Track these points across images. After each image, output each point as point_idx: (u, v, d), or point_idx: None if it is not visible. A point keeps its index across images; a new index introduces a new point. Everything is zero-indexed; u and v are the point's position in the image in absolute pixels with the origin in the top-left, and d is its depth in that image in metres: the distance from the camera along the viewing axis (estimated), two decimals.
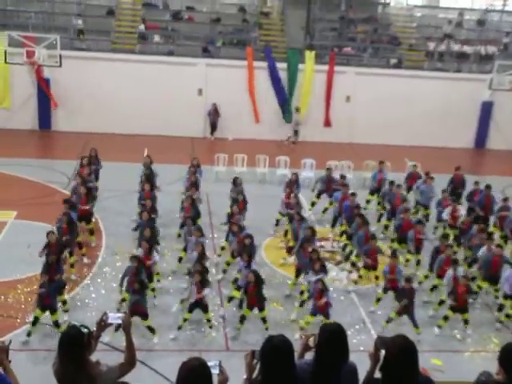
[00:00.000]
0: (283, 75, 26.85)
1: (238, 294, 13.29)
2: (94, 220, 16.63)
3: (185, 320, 12.50)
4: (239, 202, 16.39)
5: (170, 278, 14.74)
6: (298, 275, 14.38)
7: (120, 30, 27.60)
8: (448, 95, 27.40)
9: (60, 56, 23.89)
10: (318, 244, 16.93)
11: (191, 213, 15.83)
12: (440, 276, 13.95)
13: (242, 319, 12.66)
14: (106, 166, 18.82)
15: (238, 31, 28.60)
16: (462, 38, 29.85)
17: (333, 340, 4.88)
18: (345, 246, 16.50)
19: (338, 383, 4.89)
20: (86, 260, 15.19)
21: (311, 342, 5.10)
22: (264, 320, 12.69)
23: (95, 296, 13.63)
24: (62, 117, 26.14)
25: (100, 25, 27.71)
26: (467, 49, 29.38)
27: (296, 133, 27.36)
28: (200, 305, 12.50)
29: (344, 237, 16.64)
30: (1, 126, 25.32)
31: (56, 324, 11.97)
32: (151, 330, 12.07)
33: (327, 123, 27.68)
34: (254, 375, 4.87)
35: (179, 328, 12.45)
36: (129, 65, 25.90)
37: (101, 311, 12.19)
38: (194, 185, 17.25)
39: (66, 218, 14.40)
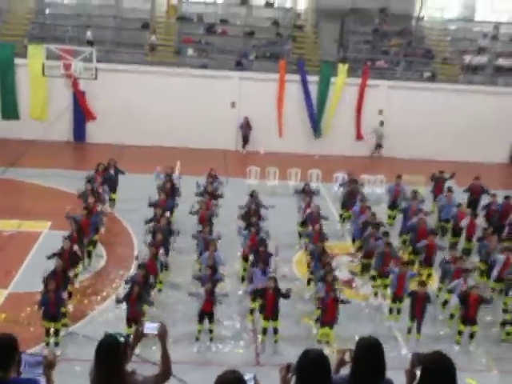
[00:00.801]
0: (315, 89, 26.85)
1: (257, 305, 13.22)
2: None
3: (199, 331, 12.56)
4: (251, 211, 16.51)
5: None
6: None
7: (155, 43, 27.93)
8: (484, 109, 27.04)
9: (96, 69, 24.28)
10: (349, 259, 16.93)
11: (206, 218, 16.12)
12: (451, 291, 13.80)
13: (264, 331, 12.65)
14: (138, 177, 19.03)
15: (272, 44, 28.75)
16: (497, 51, 29.55)
17: (370, 355, 4.83)
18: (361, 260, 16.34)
19: None
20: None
21: (347, 356, 5.06)
22: (276, 331, 12.61)
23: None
24: (96, 129, 26.50)
25: (135, 38, 28.10)
26: (503, 62, 29.06)
27: (379, 146, 27.31)
28: (207, 314, 12.53)
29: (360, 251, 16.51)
30: (38, 138, 25.70)
31: (56, 333, 12.04)
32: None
33: (359, 136, 27.58)
34: None
35: (197, 339, 12.55)
36: (162, 78, 26.18)
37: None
38: (210, 194, 17.56)
39: (75, 225, 14.50)
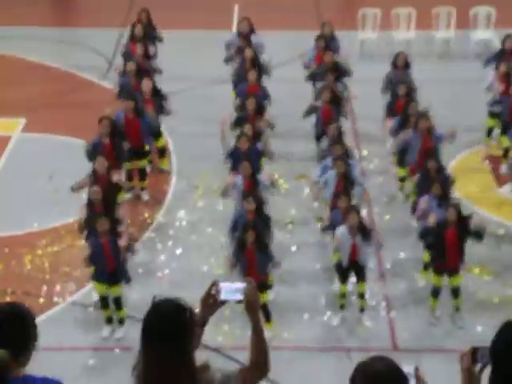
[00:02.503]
0: None
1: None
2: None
3: (343, 295, 12.86)
4: (399, 98, 16.37)
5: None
6: None
7: None
8: None
9: None
10: None
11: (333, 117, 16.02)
12: None
13: (437, 292, 12.79)
14: (172, 38, 19.05)
15: None
16: None
17: None
18: None
19: None
20: (145, 197, 15.71)
21: None
22: (456, 292, 12.76)
23: (166, 259, 14.03)
24: None
25: None
26: None
27: None
28: (355, 267, 12.74)
29: None
30: None
31: (118, 303, 12.40)
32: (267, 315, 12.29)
33: None
34: None
35: (341, 307, 12.87)
36: None
37: (177, 284, 12.64)
38: (329, 68, 17.30)
39: (107, 125, 14.53)
